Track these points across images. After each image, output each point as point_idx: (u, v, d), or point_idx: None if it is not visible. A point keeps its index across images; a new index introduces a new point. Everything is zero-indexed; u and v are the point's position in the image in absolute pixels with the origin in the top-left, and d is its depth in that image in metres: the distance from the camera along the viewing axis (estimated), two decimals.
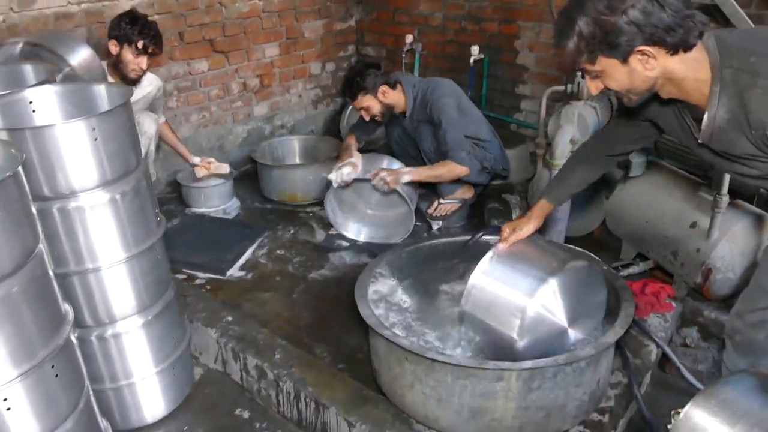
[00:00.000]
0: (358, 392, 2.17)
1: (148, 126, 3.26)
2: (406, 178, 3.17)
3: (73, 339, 1.75)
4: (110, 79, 3.00)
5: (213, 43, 3.98)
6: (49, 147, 1.76)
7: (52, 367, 1.62)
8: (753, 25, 2.69)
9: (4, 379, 1.50)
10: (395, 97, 3.30)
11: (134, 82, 3.10)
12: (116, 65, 3.01)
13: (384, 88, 3.27)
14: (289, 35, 4.43)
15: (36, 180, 1.78)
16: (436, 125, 3.20)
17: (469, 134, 3.24)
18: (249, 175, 4.12)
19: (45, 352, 1.58)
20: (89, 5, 3.32)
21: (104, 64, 2.96)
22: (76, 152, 1.80)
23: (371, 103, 3.28)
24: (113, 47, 2.98)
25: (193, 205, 3.69)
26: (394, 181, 3.12)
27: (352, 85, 3.27)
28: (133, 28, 2.94)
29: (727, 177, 2.35)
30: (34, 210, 1.56)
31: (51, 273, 1.66)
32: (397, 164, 3.35)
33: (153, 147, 3.34)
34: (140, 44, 2.96)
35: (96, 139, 1.81)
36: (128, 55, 2.97)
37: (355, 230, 3.41)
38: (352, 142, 3.53)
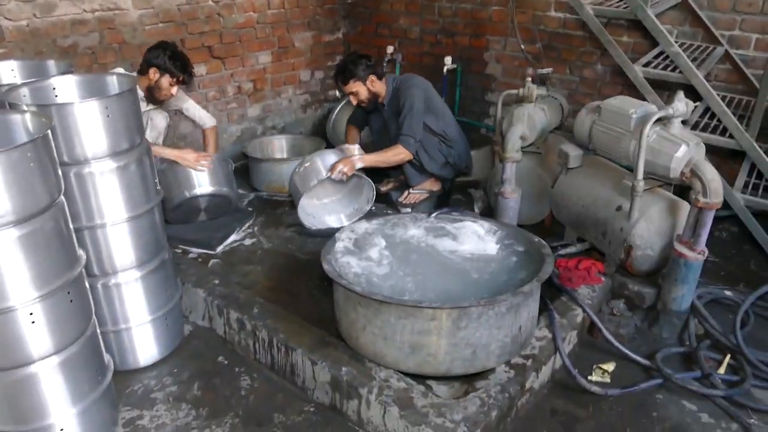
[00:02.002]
0: (321, 338, 2.57)
1: (159, 121, 3.66)
2: (359, 165, 3.54)
3: (85, 277, 2.16)
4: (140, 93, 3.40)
5: (211, 49, 4.42)
6: (69, 121, 2.17)
7: (68, 293, 2.02)
8: (674, 43, 3.12)
9: (29, 297, 1.90)
10: (380, 88, 3.73)
11: (162, 102, 3.55)
12: (150, 88, 3.39)
13: (372, 77, 3.69)
14: (281, 45, 4.88)
15: (58, 148, 2.17)
16: (400, 110, 3.60)
17: (436, 130, 3.66)
18: (241, 170, 4.52)
19: (63, 280, 1.99)
20: (101, 13, 3.75)
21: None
22: (91, 126, 2.20)
23: (360, 89, 3.68)
24: (153, 74, 3.34)
25: None
26: (350, 169, 3.48)
27: (345, 71, 3.65)
28: (176, 63, 3.33)
29: (642, 164, 2.75)
30: (58, 167, 1.97)
31: (70, 221, 2.06)
32: (336, 155, 3.66)
33: (161, 140, 3.74)
34: (181, 78, 3.38)
35: (108, 116, 2.22)
36: (165, 83, 3.37)
37: (335, 220, 3.78)
38: (352, 132, 4.00)
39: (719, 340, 2.75)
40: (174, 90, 3.44)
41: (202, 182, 3.55)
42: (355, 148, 3.68)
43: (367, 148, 3.93)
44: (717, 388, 2.51)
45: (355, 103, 3.81)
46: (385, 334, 2.30)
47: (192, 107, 3.83)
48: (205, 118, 3.88)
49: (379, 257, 2.66)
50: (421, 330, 2.25)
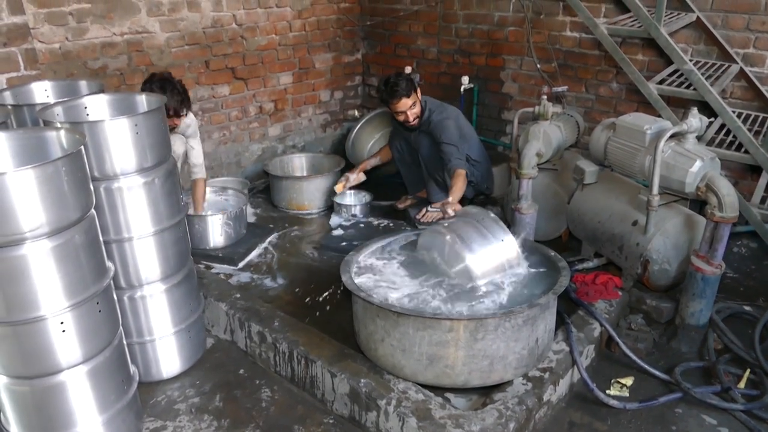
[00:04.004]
0: (340, 350, 2.61)
1: (178, 147, 3.74)
2: (456, 199, 3.52)
3: (113, 288, 2.23)
4: None
5: (234, 70, 4.55)
6: (100, 138, 2.25)
7: (97, 303, 2.10)
8: (687, 60, 3.16)
9: (60, 306, 1.98)
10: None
11: (172, 129, 3.48)
12: None
13: (419, 92, 3.81)
14: (301, 66, 5.00)
15: (89, 164, 2.24)
16: (438, 141, 3.72)
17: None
18: (263, 188, 4.63)
19: (93, 290, 2.07)
20: (130, 36, 3.89)
21: None
22: (121, 143, 2.29)
23: (417, 102, 3.78)
24: None
25: None
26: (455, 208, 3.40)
27: (408, 84, 3.70)
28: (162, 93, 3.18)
29: (657, 179, 2.78)
30: (90, 181, 2.05)
31: (100, 234, 2.14)
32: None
33: (179, 164, 3.83)
34: (170, 111, 3.27)
35: (137, 133, 2.30)
36: None
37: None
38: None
39: (739, 354, 2.74)
40: (174, 122, 3.38)
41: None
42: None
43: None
44: (737, 402, 2.50)
45: (411, 118, 3.77)
46: (404, 345, 2.34)
47: (195, 149, 3.66)
48: (197, 166, 3.68)
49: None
50: (438, 341, 2.28)
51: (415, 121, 3.82)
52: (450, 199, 3.61)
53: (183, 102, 3.36)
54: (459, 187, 3.68)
